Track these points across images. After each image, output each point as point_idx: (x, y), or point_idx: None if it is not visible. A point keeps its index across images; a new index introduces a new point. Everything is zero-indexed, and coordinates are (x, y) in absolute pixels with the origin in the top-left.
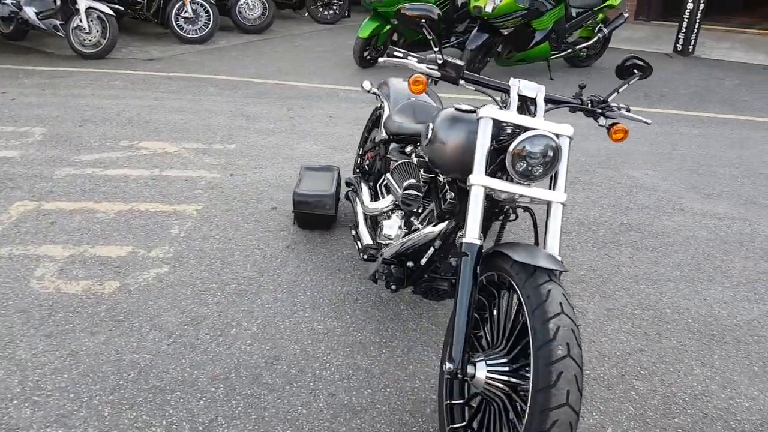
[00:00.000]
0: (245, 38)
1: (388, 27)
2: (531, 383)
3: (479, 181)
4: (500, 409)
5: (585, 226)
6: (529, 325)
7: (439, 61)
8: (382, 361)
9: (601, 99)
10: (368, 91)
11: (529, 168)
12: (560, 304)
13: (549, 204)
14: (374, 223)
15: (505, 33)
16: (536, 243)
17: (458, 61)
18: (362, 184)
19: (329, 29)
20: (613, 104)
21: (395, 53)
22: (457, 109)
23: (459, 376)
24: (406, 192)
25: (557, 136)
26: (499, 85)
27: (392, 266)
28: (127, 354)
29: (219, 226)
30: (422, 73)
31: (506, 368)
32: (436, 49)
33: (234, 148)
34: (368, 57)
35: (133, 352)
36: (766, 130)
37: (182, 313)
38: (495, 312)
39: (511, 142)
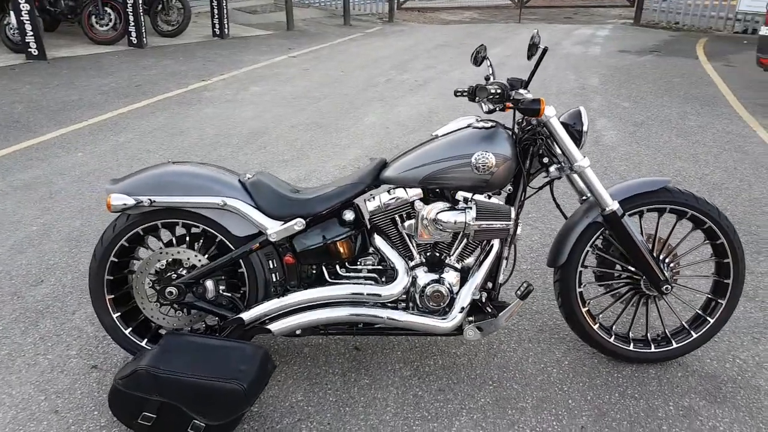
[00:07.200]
0: None
1: None
2: (732, 260)
3: (586, 163)
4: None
5: None
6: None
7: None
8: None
9: (525, 81)
10: (134, 205)
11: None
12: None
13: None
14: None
15: None
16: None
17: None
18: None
19: None
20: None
21: (492, 90)
22: (481, 128)
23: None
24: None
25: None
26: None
27: (491, 307)
28: None
29: None
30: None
31: None
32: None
33: None
34: None
35: None
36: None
37: None
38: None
39: (576, 126)
